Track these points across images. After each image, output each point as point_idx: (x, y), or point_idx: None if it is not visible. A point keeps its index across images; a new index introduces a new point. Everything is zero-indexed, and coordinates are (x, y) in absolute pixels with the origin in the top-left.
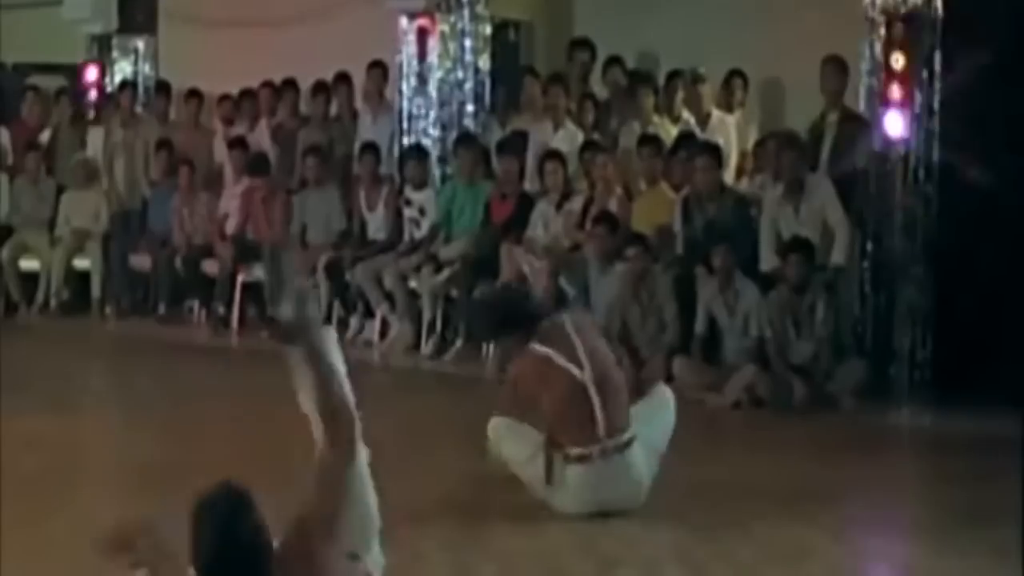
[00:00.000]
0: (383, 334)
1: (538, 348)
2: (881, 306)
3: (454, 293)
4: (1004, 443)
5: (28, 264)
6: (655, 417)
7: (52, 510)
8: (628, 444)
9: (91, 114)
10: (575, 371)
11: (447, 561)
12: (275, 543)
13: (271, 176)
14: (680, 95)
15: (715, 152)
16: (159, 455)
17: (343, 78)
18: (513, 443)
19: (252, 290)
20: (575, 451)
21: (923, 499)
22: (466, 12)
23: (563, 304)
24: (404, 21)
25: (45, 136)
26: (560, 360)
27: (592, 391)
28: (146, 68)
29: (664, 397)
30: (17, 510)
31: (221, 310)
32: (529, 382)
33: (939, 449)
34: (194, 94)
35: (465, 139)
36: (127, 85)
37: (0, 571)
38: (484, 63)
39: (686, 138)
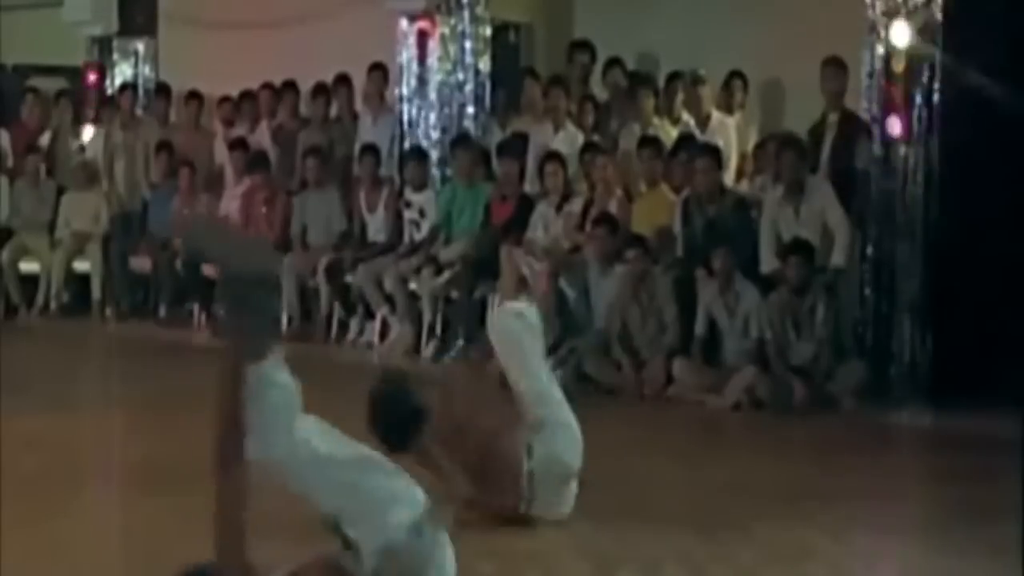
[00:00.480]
0: (383, 336)
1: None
2: (881, 307)
3: (454, 295)
4: (1004, 443)
5: (28, 266)
6: (524, 364)
7: (52, 511)
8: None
9: (91, 116)
10: (460, 480)
11: None
12: None
13: (271, 175)
14: (680, 97)
15: (715, 154)
16: (159, 456)
17: (343, 80)
18: None
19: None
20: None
21: (923, 499)
22: (466, 14)
23: (564, 306)
24: (404, 23)
25: (45, 138)
26: (448, 475)
27: (478, 478)
28: (146, 70)
29: (501, 334)
30: (17, 510)
31: (222, 313)
32: None
33: (939, 449)
34: (194, 96)
35: (463, 140)
36: (127, 87)
37: (2, 565)
38: (484, 65)
39: (686, 140)
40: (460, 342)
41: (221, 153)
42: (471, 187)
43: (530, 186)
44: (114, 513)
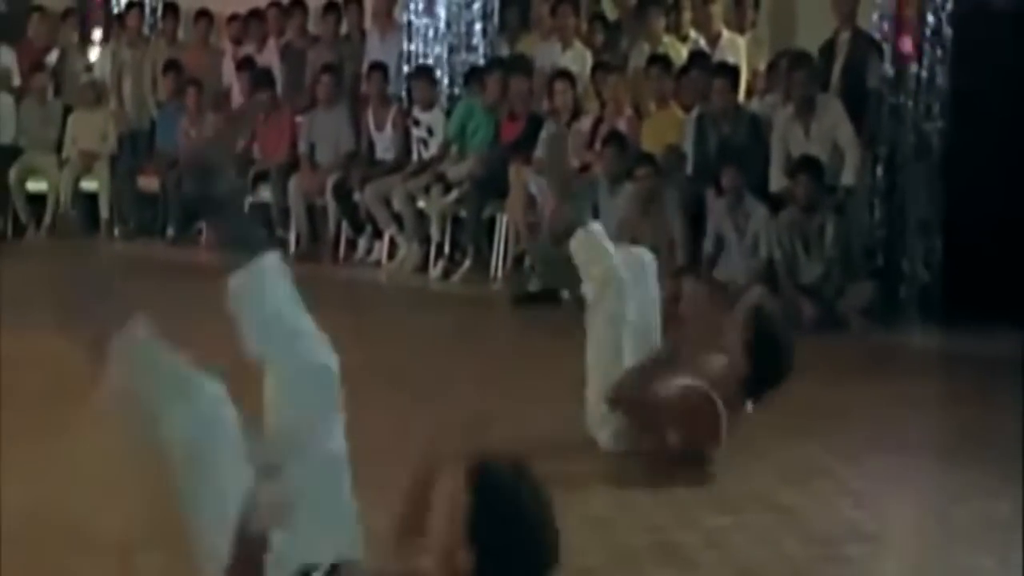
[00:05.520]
0: (391, 255)
1: None
2: (892, 227)
3: (463, 214)
4: (1014, 363)
5: (36, 186)
6: None
7: (58, 427)
8: None
9: (99, 34)
10: None
11: None
12: None
13: (276, 94)
14: (688, 14)
15: (733, 73)
16: None
17: None
18: None
19: (260, 211)
20: None
21: (932, 419)
22: None
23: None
24: None
25: (52, 57)
26: None
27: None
28: None
29: None
30: (22, 427)
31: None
32: None
33: (948, 369)
34: (203, 14)
35: (497, 63)
36: (134, 5)
37: (1, 486)
38: None
39: (698, 58)
40: (468, 261)
41: (229, 72)
42: (490, 107)
43: (538, 105)
44: (118, 431)
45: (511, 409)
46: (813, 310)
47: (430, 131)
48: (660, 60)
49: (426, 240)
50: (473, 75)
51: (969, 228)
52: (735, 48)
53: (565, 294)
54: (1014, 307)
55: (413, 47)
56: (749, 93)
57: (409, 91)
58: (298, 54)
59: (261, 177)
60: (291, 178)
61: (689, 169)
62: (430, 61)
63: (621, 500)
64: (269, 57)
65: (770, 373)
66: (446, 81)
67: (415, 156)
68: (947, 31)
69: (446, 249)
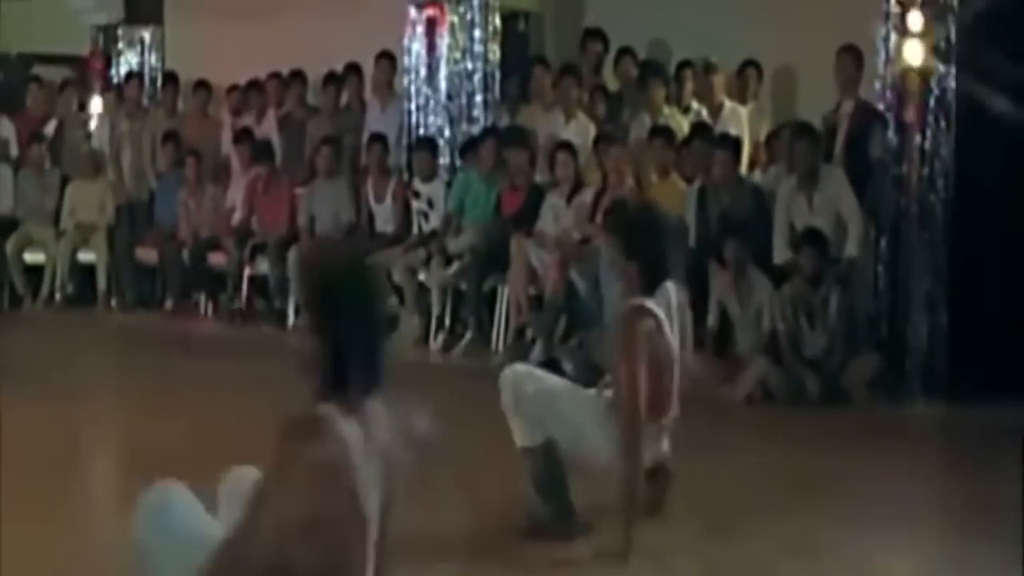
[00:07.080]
0: (392, 327)
1: None
2: (895, 299)
3: (463, 286)
4: (1018, 435)
5: (33, 257)
6: None
7: (56, 499)
8: None
9: (97, 105)
10: None
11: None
12: None
13: (276, 165)
14: (690, 85)
15: (734, 145)
16: (165, 444)
17: (353, 68)
18: None
19: (259, 283)
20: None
21: (938, 492)
22: (475, 2)
23: (574, 297)
24: (413, 11)
25: (50, 127)
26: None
27: None
28: (152, 59)
29: None
30: (20, 498)
31: (236, 303)
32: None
33: (953, 441)
34: (202, 85)
35: (492, 132)
36: (133, 76)
37: (1, 554)
38: (493, 54)
39: (701, 129)
40: (469, 334)
41: (228, 143)
42: (489, 178)
43: (540, 176)
44: (120, 501)
45: (510, 471)
46: (817, 382)
47: (430, 203)
48: (662, 131)
49: (426, 313)
50: (468, 146)
51: (974, 299)
52: (737, 118)
53: (567, 367)
54: (1019, 379)
55: (414, 118)
56: (752, 165)
57: (410, 163)
58: (298, 125)
59: (259, 249)
60: (291, 249)
61: (691, 241)
62: (431, 132)
63: None
64: (268, 128)
65: None
66: (447, 152)
67: (416, 228)
68: (951, 101)
69: (447, 322)
